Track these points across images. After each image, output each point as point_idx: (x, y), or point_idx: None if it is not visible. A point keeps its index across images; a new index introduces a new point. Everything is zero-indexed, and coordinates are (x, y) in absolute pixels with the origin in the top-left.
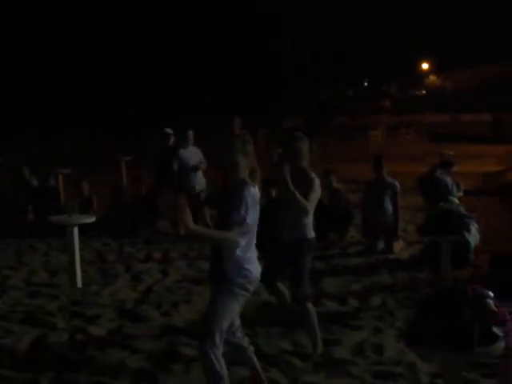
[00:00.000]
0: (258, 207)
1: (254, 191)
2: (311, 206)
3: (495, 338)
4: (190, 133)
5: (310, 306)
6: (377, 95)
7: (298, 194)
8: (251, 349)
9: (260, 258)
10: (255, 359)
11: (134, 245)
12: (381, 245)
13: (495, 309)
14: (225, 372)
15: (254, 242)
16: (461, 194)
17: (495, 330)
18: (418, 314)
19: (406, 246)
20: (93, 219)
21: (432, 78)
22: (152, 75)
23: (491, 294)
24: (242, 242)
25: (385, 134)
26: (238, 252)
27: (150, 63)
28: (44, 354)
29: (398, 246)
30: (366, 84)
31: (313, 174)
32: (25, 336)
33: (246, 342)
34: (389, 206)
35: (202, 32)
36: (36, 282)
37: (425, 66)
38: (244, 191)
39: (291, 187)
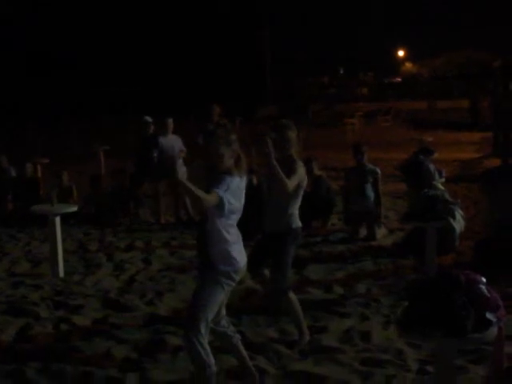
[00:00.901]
0: (242, 196)
1: (239, 181)
2: (292, 183)
3: (489, 323)
4: (170, 120)
5: (291, 295)
6: (353, 83)
7: (280, 172)
8: (237, 337)
9: (246, 247)
10: (242, 348)
11: (116, 234)
12: (363, 232)
13: (488, 294)
14: (211, 360)
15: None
16: (443, 180)
17: (488, 315)
18: (410, 300)
19: (388, 233)
20: (75, 209)
21: (408, 65)
22: (131, 63)
23: (484, 279)
24: (223, 219)
25: (362, 122)
26: (224, 240)
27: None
28: (29, 345)
29: (380, 232)
30: (341, 72)
31: (300, 163)
32: (9, 327)
33: (231, 330)
34: (370, 193)
35: (174, 20)
36: (18, 272)
37: (400, 53)
38: (227, 178)
39: (272, 162)
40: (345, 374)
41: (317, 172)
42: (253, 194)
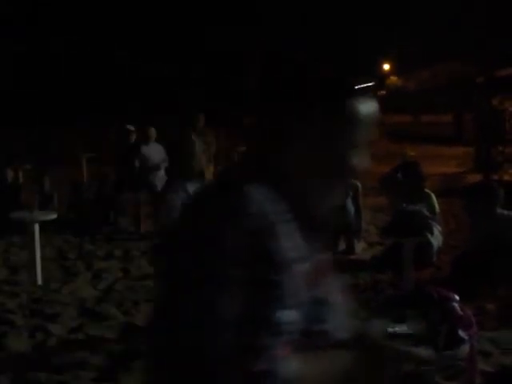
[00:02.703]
0: None
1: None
2: None
3: (461, 341)
4: (152, 129)
5: None
6: None
7: None
8: None
9: None
10: None
11: (95, 242)
12: (342, 245)
13: (461, 312)
14: None
15: None
16: None
17: (461, 333)
18: (384, 316)
19: (368, 247)
20: (54, 216)
21: (393, 78)
22: (116, 69)
23: (456, 297)
24: None
25: None
26: None
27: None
28: (3, 353)
29: (359, 246)
30: None
31: None
32: None
33: None
34: (351, 207)
35: (161, 20)
36: (2, 278)
37: (386, 66)
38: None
39: None
40: None
41: None
42: None
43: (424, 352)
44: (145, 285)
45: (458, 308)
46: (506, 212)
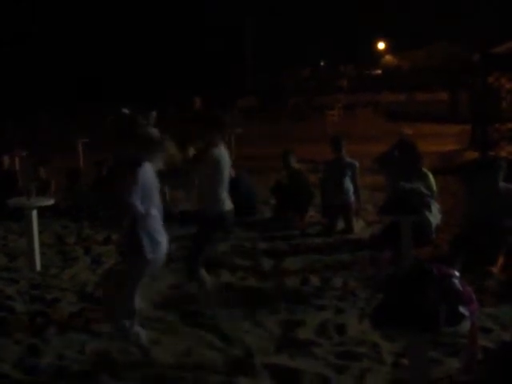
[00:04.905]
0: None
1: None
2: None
3: (461, 317)
4: (153, 113)
5: (202, 274)
6: (333, 75)
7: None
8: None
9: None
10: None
11: (93, 227)
12: (341, 225)
13: (461, 288)
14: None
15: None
16: None
17: (461, 309)
18: (384, 294)
19: (366, 226)
20: (51, 202)
21: (388, 57)
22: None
23: (457, 273)
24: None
25: (342, 114)
26: (147, 225)
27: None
28: (4, 339)
29: (358, 225)
30: (322, 64)
31: (212, 151)
32: None
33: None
34: (349, 186)
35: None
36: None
37: (381, 45)
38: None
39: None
40: (320, 367)
41: (294, 165)
42: (231, 186)
43: None
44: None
45: (458, 284)
46: (510, 185)
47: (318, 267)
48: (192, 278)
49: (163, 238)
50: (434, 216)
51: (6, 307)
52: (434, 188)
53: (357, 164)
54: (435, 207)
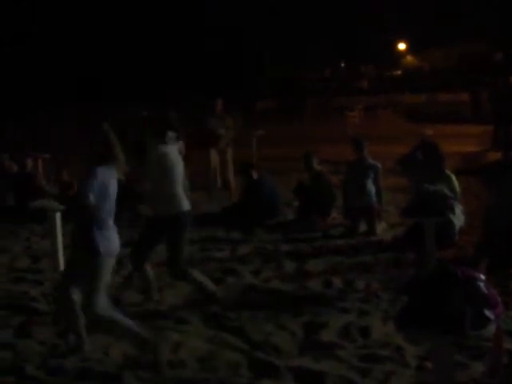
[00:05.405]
0: (109, 186)
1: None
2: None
3: (487, 320)
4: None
5: (190, 271)
6: (354, 76)
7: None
8: None
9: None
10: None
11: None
12: (363, 226)
13: (486, 291)
14: (126, 322)
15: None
16: None
17: (487, 312)
18: (408, 296)
19: (388, 228)
20: None
21: (409, 58)
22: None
23: (482, 276)
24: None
25: (362, 115)
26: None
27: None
28: (28, 341)
29: (380, 227)
30: (342, 65)
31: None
32: (9, 322)
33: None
34: (371, 188)
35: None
36: (19, 267)
37: (401, 46)
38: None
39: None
40: (344, 370)
41: (316, 166)
42: (254, 188)
43: None
44: (166, 271)
45: (483, 287)
46: None
47: (341, 269)
48: (183, 279)
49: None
50: (458, 218)
51: (30, 308)
52: (458, 189)
53: (379, 165)
54: (458, 209)
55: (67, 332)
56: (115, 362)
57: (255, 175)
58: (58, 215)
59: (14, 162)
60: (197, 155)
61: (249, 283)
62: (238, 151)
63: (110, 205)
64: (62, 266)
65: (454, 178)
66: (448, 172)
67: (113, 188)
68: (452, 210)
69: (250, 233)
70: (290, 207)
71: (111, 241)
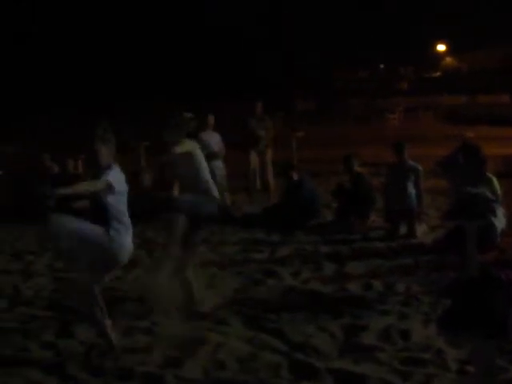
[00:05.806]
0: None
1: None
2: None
3: None
4: (211, 117)
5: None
6: (393, 77)
7: None
8: None
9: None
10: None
11: (156, 230)
12: (403, 229)
13: None
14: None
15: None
16: None
17: None
18: (450, 299)
19: (429, 230)
20: None
21: (448, 59)
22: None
23: None
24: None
25: (402, 117)
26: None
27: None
28: (71, 341)
29: (420, 230)
30: (382, 66)
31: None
32: (51, 322)
33: None
34: (412, 190)
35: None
36: (59, 267)
37: (441, 47)
38: (107, 169)
39: None
40: (384, 373)
41: (357, 168)
42: (294, 189)
43: None
44: (206, 271)
45: None
46: None
47: (381, 272)
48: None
49: None
50: (499, 220)
51: (72, 309)
52: (499, 192)
53: (420, 168)
54: (500, 211)
55: (106, 332)
56: (156, 362)
57: (295, 176)
58: None
59: (55, 162)
60: (237, 157)
61: (288, 285)
62: (277, 153)
63: (125, 201)
64: None
65: (495, 180)
66: (489, 174)
67: (125, 185)
68: (493, 213)
69: (289, 234)
70: (329, 209)
71: (127, 236)
